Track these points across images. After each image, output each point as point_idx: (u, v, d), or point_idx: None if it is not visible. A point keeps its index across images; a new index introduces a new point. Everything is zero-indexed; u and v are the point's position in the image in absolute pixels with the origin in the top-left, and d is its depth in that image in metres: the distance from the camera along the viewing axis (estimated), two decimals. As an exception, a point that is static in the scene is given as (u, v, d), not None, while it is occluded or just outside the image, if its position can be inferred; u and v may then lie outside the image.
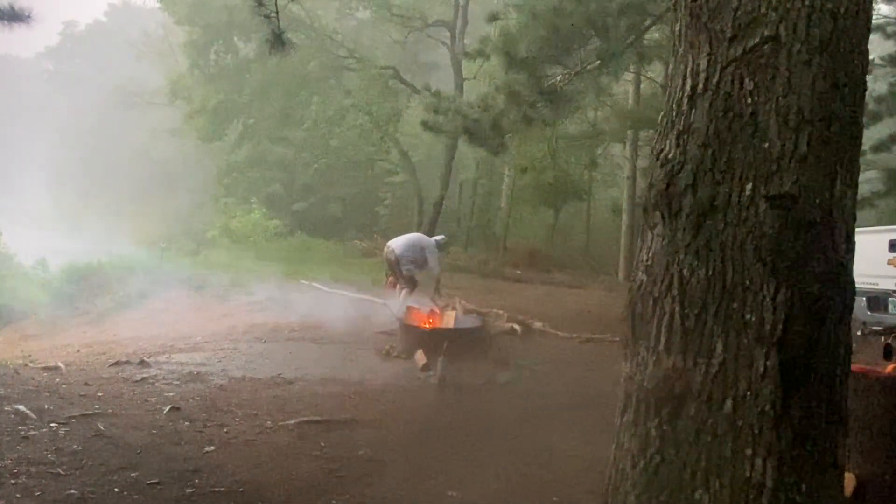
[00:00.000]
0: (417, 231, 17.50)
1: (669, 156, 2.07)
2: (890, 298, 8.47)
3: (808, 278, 1.90)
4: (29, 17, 5.02)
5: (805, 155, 1.93)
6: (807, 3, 1.96)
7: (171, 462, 3.93)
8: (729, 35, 2.01)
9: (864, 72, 2.07)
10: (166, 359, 6.84)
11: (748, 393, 1.87)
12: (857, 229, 2.05)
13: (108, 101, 37.04)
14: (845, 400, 2.00)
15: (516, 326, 8.89)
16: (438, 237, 9.94)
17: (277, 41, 5.13)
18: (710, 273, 1.95)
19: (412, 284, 9.11)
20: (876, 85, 11.49)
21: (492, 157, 17.73)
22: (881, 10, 11.76)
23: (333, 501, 3.55)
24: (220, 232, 21.15)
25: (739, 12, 2.00)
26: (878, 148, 11.74)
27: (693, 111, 2.05)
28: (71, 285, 11.91)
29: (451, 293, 11.55)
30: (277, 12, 5.03)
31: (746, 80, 1.97)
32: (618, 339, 7.19)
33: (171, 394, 5.50)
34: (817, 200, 1.93)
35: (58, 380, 5.71)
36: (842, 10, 1.98)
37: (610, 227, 20.92)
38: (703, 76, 2.04)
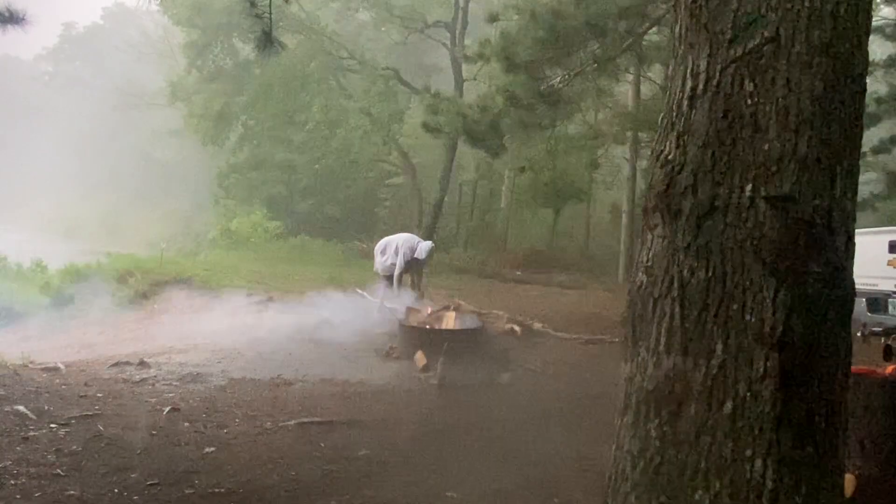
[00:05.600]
0: (418, 232, 17.51)
1: (669, 157, 2.07)
2: (890, 299, 8.47)
3: (808, 279, 1.90)
4: (23, 19, 5.02)
5: (805, 156, 1.93)
6: (807, 4, 1.96)
7: (170, 463, 3.93)
8: (729, 36, 2.01)
9: (864, 73, 2.07)
10: (166, 359, 6.84)
11: (748, 393, 1.87)
12: (856, 230, 2.05)
13: (108, 103, 37.06)
14: (845, 401, 2.00)
15: (516, 327, 8.89)
16: (424, 243, 9.67)
17: (267, 41, 5.13)
18: (710, 274, 1.95)
19: (389, 282, 9.41)
20: (876, 87, 11.50)
21: (492, 159, 17.75)
22: (881, 12, 11.77)
23: (333, 502, 3.55)
24: (221, 233, 21.15)
25: (739, 13, 2.00)
26: (879, 149, 11.73)
27: (693, 112, 2.05)
28: (71, 286, 11.89)
29: (451, 294, 11.56)
30: (271, 12, 5.03)
31: (746, 81, 1.98)
32: (617, 340, 7.19)
33: (171, 395, 5.51)
34: (817, 201, 1.93)
35: (57, 380, 5.72)
36: (842, 12, 1.98)
37: (610, 228, 20.93)
38: (702, 77, 2.04)
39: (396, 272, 9.29)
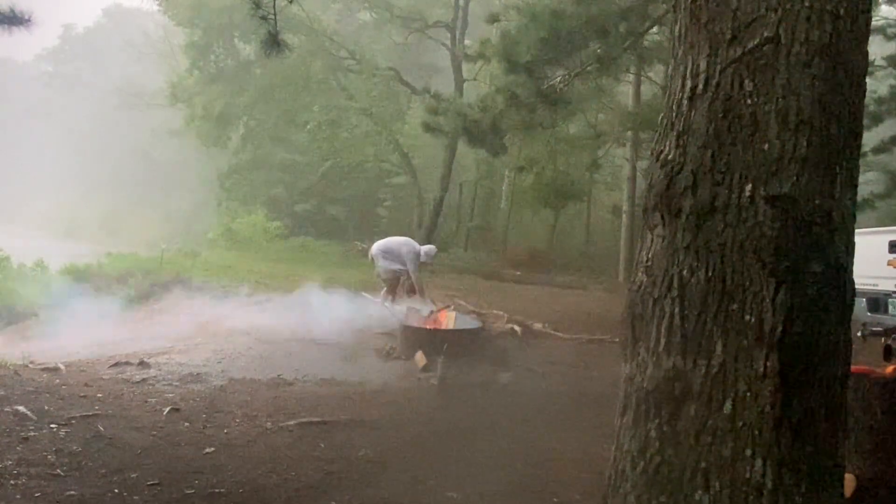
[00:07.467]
0: (418, 232, 17.49)
1: (669, 157, 2.08)
2: (890, 299, 8.47)
3: (808, 279, 1.90)
4: (29, 20, 5.02)
5: (805, 156, 1.93)
6: (806, 4, 1.96)
7: (170, 463, 3.93)
8: (729, 36, 2.01)
9: (864, 73, 2.07)
10: (166, 360, 6.83)
11: (748, 393, 1.87)
12: (856, 230, 2.05)
13: (108, 103, 37.05)
14: (845, 400, 2.00)
15: (516, 327, 8.89)
16: (426, 246, 9.61)
17: (273, 42, 5.12)
18: (710, 274, 1.95)
19: (390, 284, 9.23)
20: (877, 87, 11.52)
21: (492, 159, 17.75)
22: (881, 12, 11.79)
23: (333, 502, 3.55)
24: (222, 233, 21.16)
25: (739, 13, 2.00)
26: (879, 149, 11.76)
27: (693, 112, 2.05)
28: (71, 286, 11.90)
29: (451, 294, 11.56)
30: (275, 14, 5.02)
31: (746, 81, 1.98)
32: (617, 340, 7.19)
33: (171, 395, 5.50)
34: (817, 201, 1.93)
35: (58, 381, 5.71)
36: (841, 12, 1.98)
37: (610, 228, 20.93)
38: (702, 77, 2.04)
39: (415, 279, 9.11)
